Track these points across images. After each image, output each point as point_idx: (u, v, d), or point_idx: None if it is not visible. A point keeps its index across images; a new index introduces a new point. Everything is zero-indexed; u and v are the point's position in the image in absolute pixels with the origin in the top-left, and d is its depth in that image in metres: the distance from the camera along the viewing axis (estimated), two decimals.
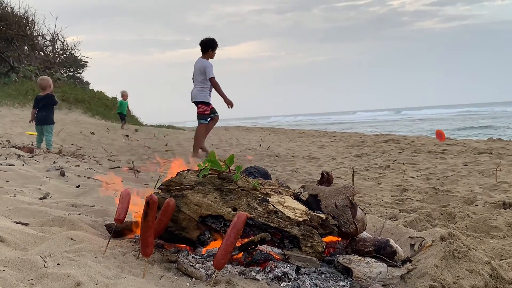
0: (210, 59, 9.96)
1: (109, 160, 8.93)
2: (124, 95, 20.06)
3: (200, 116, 9.84)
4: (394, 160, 9.20)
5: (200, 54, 10.01)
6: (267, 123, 63.52)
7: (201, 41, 10.02)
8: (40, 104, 9.52)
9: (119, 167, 7.74)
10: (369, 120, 55.81)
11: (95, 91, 31.34)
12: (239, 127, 37.76)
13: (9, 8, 30.26)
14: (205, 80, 9.73)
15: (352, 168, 4.96)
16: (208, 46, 9.90)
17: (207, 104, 9.86)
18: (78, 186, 5.09)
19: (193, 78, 10.02)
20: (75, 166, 7.07)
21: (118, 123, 23.30)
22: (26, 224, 2.98)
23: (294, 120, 73.89)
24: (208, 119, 9.99)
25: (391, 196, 5.37)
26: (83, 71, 36.66)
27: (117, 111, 20.69)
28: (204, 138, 10.09)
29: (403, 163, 8.64)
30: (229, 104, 9.82)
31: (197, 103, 9.81)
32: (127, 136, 15.76)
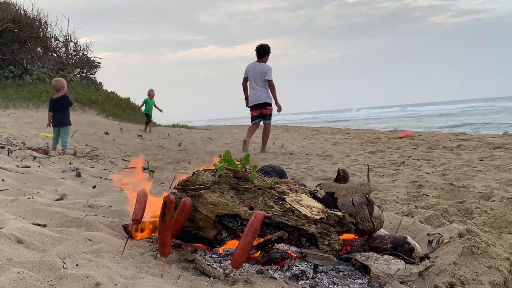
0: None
1: (124, 160, 8.97)
2: (151, 94, 18.90)
3: (268, 116, 10.94)
4: (409, 156, 9.15)
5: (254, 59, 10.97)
6: (272, 121, 62.54)
7: (258, 47, 10.92)
8: (55, 106, 9.59)
9: (134, 167, 7.77)
10: (373, 117, 54.87)
11: (108, 91, 31.49)
12: None
13: (21, 11, 30.51)
14: (266, 82, 10.71)
15: (367, 165, 4.95)
16: (266, 51, 10.87)
17: (271, 104, 10.93)
18: (94, 187, 5.13)
19: (244, 82, 10.96)
20: (90, 167, 7.13)
21: (132, 123, 23.31)
22: (44, 226, 3.01)
23: (299, 119, 72.75)
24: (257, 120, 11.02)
25: (407, 192, 5.34)
26: (96, 72, 36.89)
27: (144, 111, 19.21)
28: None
29: (418, 159, 8.59)
30: (279, 108, 10.91)
31: (264, 104, 10.82)
32: (141, 136, 15.83)
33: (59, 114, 9.52)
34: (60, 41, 33.01)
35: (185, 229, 2.66)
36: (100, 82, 36.21)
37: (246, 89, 11.03)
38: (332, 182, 2.97)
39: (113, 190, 4.87)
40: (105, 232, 2.91)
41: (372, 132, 18.49)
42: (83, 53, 34.05)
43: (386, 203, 4.73)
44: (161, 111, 19.27)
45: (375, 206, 2.74)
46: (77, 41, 33.43)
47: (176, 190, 2.82)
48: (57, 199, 4.10)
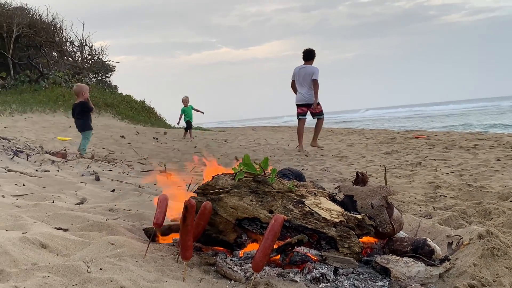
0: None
1: (141, 163, 9.03)
2: (185, 100, 18.37)
3: (321, 113, 11.92)
4: (425, 157, 9.11)
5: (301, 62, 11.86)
6: (282, 123, 62.10)
7: (306, 50, 11.84)
8: (75, 112, 9.70)
9: (151, 170, 7.83)
10: (383, 118, 53.90)
11: (124, 94, 31.65)
12: (266, 127, 37.74)
13: (37, 16, 30.80)
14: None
15: (384, 166, 4.94)
16: (313, 55, 11.81)
17: (319, 103, 11.86)
18: (113, 191, 5.17)
19: (292, 84, 11.93)
20: (108, 170, 7.18)
21: (147, 126, 23.37)
22: (66, 230, 3.05)
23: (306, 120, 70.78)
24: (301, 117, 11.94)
25: (424, 193, 5.32)
26: (111, 75, 37.11)
27: (184, 119, 18.48)
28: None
29: (435, 160, 8.55)
30: (316, 101, 11.68)
31: (312, 104, 11.63)
32: (157, 138, 15.89)
33: (79, 119, 9.62)
34: (75, 45, 33.27)
35: (206, 232, 2.69)
36: (115, 85, 36.43)
37: (296, 91, 11.90)
38: (350, 184, 2.98)
39: (132, 194, 4.91)
40: (126, 236, 2.94)
41: (387, 133, 18.41)
42: (98, 57, 34.30)
43: (403, 204, 4.72)
44: (202, 113, 18.94)
45: (394, 208, 2.74)
46: (92, 45, 33.67)
47: (196, 194, 2.84)
48: (77, 203, 4.15)
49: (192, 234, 2.38)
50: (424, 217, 3.90)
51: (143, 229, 3.13)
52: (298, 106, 11.89)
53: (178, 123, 18.96)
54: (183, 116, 18.48)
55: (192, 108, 18.43)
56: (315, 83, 11.59)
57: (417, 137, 13.95)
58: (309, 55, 11.83)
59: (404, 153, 10.26)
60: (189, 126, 18.43)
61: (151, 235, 2.83)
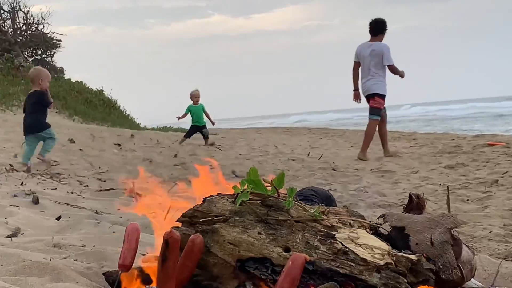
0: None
1: (98, 179, 9.04)
2: (195, 95, 18.12)
3: (374, 111, 12.13)
4: (504, 173, 9.07)
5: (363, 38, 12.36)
6: (294, 123, 61.68)
7: (374, 21, 12.12)
8: (27, 104, 9.68)
9: (112, 189, 7.83)
10: (435, 117, 52.90)
11: (73, 81, 31.72)
12: (277, 129, 37.70)
13: None
14: (382, 68, 11.96)
15: (447, 186, 4.93)
16: (383, 28, 12.07)
17: (384, 97, 12.17)
18: (59, 218, 5.18)
19: (355, 68, 12.24)
20: (51, 189, 7.20)
21: (107, 125, 23.41)
22: None
23: (329, 119, 70.17)
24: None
25: (504, 225, 5.32)
26: (55, 53, 37.15)
27: (192, 122, 18.32)
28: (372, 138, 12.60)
29: None
30: (403, 75, 12.30)
31: (373, 95, 12.02)
32: (119, 145, 15.89)
33: (30, 115, 9.60)
34: (4, 11, 33.36)
35: (194, 278, 2.69)
36: (61, 68, 36.50)
37: (357, 78, 12.14)
38: (400, 212, 2.98)
39: (86, 223, 4.92)
40: (79, 283, 2.94)
41: (448, 138, 18.37)
42: (36, 28, 34.36)
43: (474, 240, 4.72)
44: (213, 123, 18.99)
45: (463, 246, 2.74)
46: (28, 11, 33.74)
47: (181, 223, 2.84)
48: (8, 236, 4.15)
49: (174, 281, 2.38)
50: (504, 258, 3.90)
51: (103, 274, 3.13)
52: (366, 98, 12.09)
53: (179, 119, 18.63)
54: (188, 116, 18.15)
55: (204, 110, 18.12)
56: (391, 69, 11.90)
57: (492, 145, 13.91)
58: (378, 28, 11.96)
59: (474, 167, 10.24)
60: (202, 133, 18.13)
61: (116, 282, 2.83)
